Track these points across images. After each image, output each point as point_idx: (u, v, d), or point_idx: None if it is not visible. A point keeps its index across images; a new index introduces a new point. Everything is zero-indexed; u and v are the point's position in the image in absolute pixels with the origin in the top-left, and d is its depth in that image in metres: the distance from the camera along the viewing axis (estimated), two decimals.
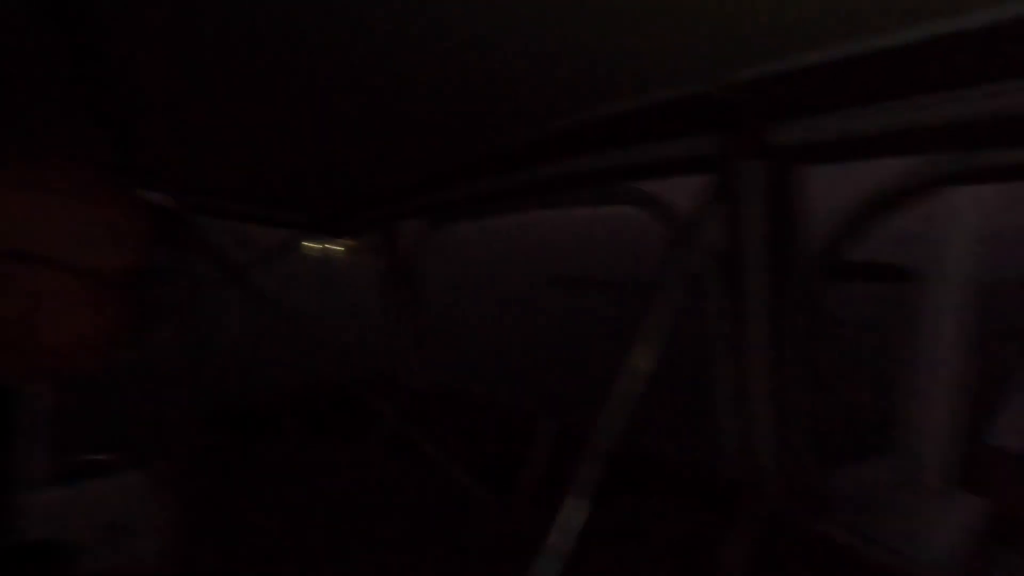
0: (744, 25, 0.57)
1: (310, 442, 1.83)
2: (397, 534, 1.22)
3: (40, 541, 1.04)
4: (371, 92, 0.88)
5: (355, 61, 0.77)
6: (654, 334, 0.67)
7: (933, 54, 0.51)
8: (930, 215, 1.86)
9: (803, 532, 0.76)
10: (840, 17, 0.53)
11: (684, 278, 0.71)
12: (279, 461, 1.75)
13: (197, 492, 1.64)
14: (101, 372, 0.80)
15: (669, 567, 0.79)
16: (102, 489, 1.49)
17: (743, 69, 0.62)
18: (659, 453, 1.06)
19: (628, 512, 0.89)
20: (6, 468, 0.96)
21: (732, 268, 0.87)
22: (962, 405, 1.70)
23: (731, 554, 0.76)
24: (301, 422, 1.89)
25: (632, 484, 0.95)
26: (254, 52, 0.74)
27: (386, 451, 1.67)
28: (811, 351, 0.86)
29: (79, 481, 1.48)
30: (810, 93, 0.64)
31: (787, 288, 0.83)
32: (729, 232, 0.85)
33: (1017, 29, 0.46)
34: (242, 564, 1.39)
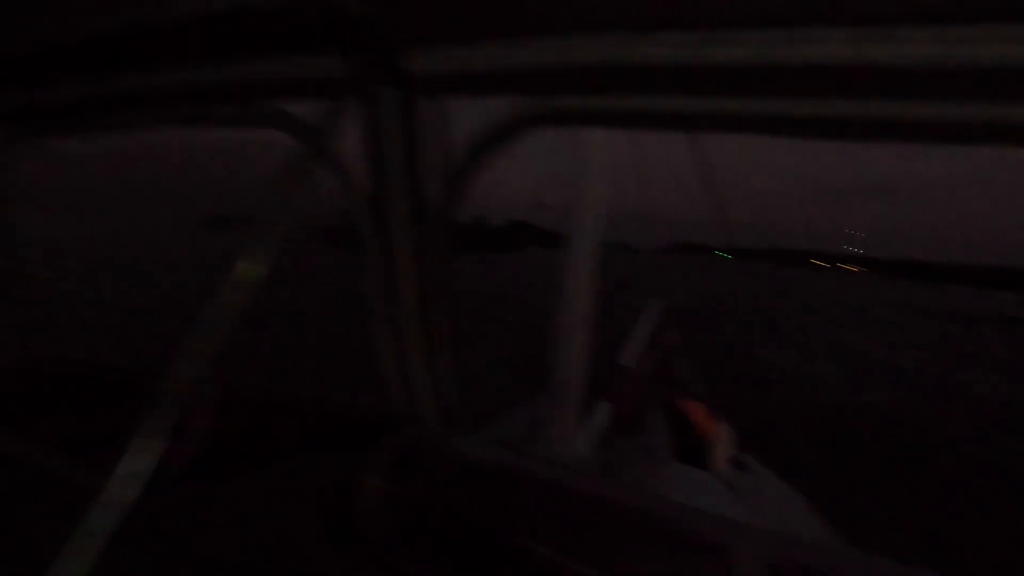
0: None
1: None
2: None
3: None
4: None
5: None
6: (254, 266, 0.59)
7: None
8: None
9: (451, 457, 0.82)
10: None
11: (294, 209, 0.65)
12: None
13: None
14: None
15: (320, 508, 0.76)
16: None
17: None
18: (310, 400, 1.01)
19: (279, 466, 0.82)
20: None
21: (376, 209, 0.86)
22: (593, 341, 2.16)
23: (372, 483, 0.77)
24: None
25: (283, 435, 0.88)
26: None
27: None
28: (451, 296, 0.92)
29: None
30: (441, 18, 0.65)
31: (426, 231, 0.86)
32: (369, 169, 0.83)
33: None
34: None
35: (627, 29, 0.58)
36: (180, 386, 0.53)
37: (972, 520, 5.77)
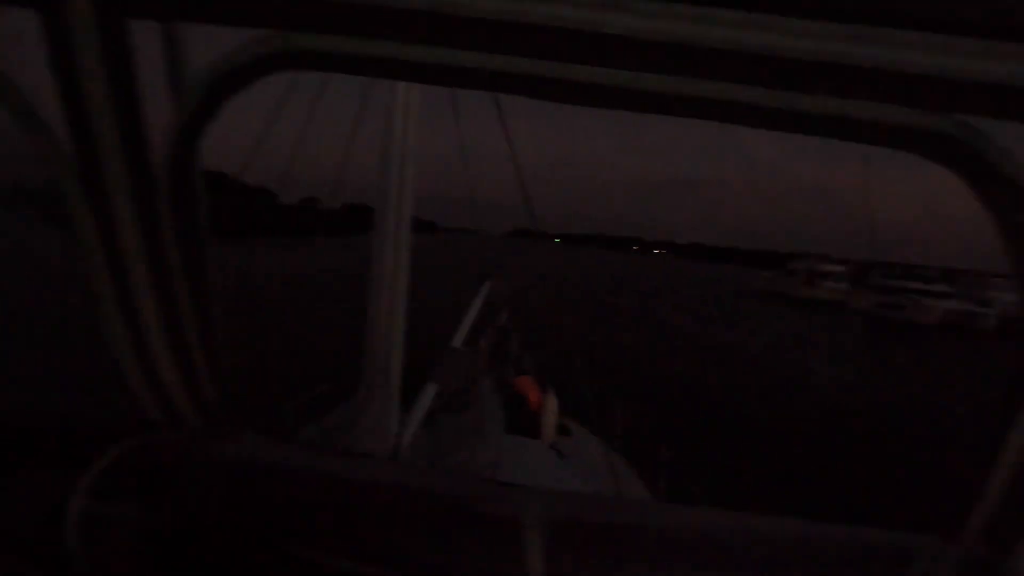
0: None
1: None
2: None
3: None
4: None
5: None
6: None
7: None
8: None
9: (210, 464, 0.70)
10: None
11: None
12: None
13: None
14: None
15: (27, 546, 0.60)
16: None
17: None
18: (10, 414, 0.80)
19: None
20: None
21: (84, 166, 0.67)
22: (403, 326, 2.03)
23: (93, 505, 0.62)
24: None
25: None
26: None
27: None
28: (203, 273, 0.77)
29: None
30: None
31: (154, 193, 0.71)
32: (66, 113, 0.64)
33: None
34: None
35: None
36: None
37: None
